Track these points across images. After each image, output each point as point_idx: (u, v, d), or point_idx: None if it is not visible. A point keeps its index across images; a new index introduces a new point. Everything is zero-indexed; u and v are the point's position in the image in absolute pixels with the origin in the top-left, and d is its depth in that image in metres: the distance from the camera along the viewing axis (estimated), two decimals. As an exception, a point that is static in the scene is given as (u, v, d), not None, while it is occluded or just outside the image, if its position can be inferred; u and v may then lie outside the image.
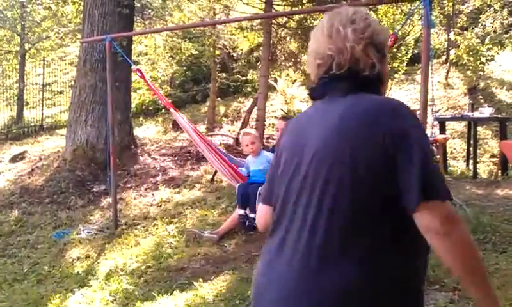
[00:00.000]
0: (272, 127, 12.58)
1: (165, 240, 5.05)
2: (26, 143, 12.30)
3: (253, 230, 4.88)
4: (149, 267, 4.41)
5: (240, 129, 10.78)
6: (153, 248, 4.89)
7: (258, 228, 1.80)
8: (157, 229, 5.50)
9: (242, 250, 4.58)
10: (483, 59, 11.40)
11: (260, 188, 4.79)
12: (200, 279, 3.97)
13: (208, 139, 5.68)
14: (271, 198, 1.65)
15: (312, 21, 10.62)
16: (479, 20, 14.33)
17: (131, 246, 5.09)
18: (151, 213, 6.16)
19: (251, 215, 4.89)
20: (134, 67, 5.77)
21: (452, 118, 9.52)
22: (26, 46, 16.12)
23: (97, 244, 5.35)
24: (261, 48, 10.38)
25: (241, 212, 4.99)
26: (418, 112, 4.11)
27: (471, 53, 11.36)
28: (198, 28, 13.03)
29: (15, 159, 10.07)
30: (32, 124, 14.60)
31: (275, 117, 12.82)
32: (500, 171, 7.54)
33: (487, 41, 12.37)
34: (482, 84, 12.00)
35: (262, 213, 1.74)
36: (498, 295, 3.12)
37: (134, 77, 14.60)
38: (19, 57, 16.05)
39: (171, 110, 5.68)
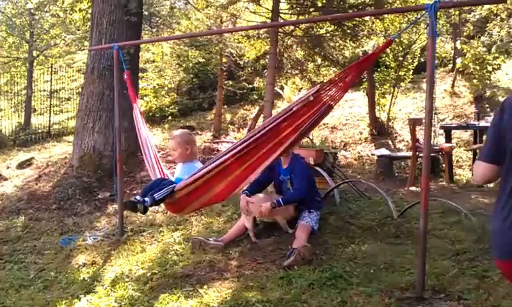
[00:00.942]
0: (278, 135, 12.61)
1: (171, 247, 5.07)
2: (33, 150, 12.38)
3: (130, 208, 4.45)
4: (155, 274, 4.42)
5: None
6: (158, 255, 4.91)
7: (477, 182, 2.25)
8: (162, 236, 5.52)
9: (248, 258, 4.59)
10: (489, 68, 11.40)
11: (172, 185, 4.37)
12: (205, 286, 3.98)
13: (150, 139, 5.40)
14: (496, 157, 2.11)
15: (318, 29, 10.66)
16: (486, 29, 14.34)
17: (137, 253, 5.11)
18: (157, 220, 6.19)
19: (146, 198, 4.33)
20: (125, 74, 5.63)
21: (458, 127, 9.51)
22: (34, 53, 16.28)
23: (103, 251, 5.37)
24: (267, 56, 10.42)
25: (138, 197, 4.45)
26: (423, 121, 4.12)
27: (477, 62, 11.36)
28: (205, 36, 13.09)
29: (22, 165, 10.14)
30: (40, 130, 14.71)
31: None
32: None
33: (493, 49, 12.38)
34: (488, 93, 11.99)
35: (484, 171, 2.17)
36: (504, 305, 3.13)
37: (141, 84, 14.69)
38: (27, 64, 16.22)
39: (134, 105, 5.52)
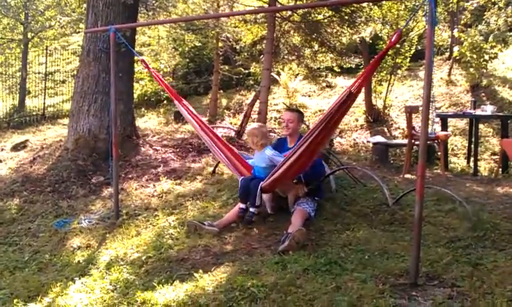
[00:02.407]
0: (275, 121, 12.61)
1: (166, 231, 5.06)
2: (28, 132, 12.33)
3: (251, 224, 4.90)
4: (150, 257, 4.42)
5: (242, 122, 10.79)
6: (154, 239, 4.91)
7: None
8: (158, 220, 5.52)
9: (243, 242, 4.59)
10: (486, 57, 11.41)
11: (261, 183, 4.84)
12: (200, 270, 3.98)
13: (212, 130, 5.66)
14: None
15: (316, 15, 10.60)
16: (483, 18, 14.32)
17: (132, 236, 5.11)
18: (152, 204, 6.18)
19: (251, 210, 4.91)
20: (139, 57, 5.75)
21: (454, 115, 9.53)
22: (29, 35, 16.12)
23: (98, 234, 5.37)
24: (264, 41, 10.37)
25: (242, 205, 4.99)
26: (420, 108, 4.12)
27: (474, 50, 11.36)
28: (201, 20, 13.01)
29: (16, 148, 10.10)
30: (34, 113, 14.65)
31: (277, 110, 12.85)
32: (500, 169, 7.57)
33: (491, 38, 12.36)
34: (484, 82, 12.00)
35: None
36: (497, 292, 3.16)
37: (137, 67, 14.61)
38: (22, 46, 16.07)
39: (176, 102, 5.66)
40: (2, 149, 10.16)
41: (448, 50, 14.44)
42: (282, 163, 4.71)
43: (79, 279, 4.17)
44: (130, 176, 7.48)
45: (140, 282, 3.93)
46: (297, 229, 4.40)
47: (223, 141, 5.54)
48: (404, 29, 11.35)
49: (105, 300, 3.66)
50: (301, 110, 11.49)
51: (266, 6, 10.01)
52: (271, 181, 4.81)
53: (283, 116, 5.56)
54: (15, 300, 3.85)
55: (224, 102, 15.17)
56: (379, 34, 12.24)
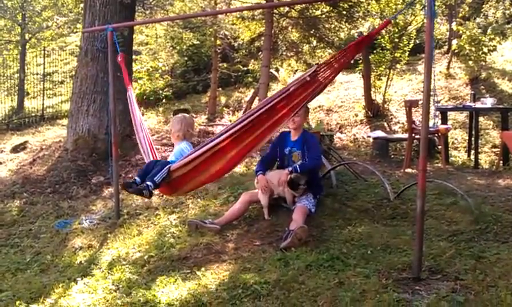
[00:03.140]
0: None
1: (167, 229, 5.06)
2: (27, 133, 12.32)
3: (140, 195, 4.53)
4: (151, 257, 4.42)
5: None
6: (155, 238, 4.90)
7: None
8: (159, 219, 5.51)
9: (244, 240, 4.58)
10: (485, 49, 11.38)
11: (171, 164, 4.54)
12: (203, 269, 3.98)
13: (143, 122, 5.50)
14: None
15: (314, 11, 10.59)
16: (481, 10, 14.29)
17: (133, 236, 5.10)
18: (153, 203, 6.17)
19: (148, 182, 4.47)
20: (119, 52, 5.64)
21: (454, 108, 9.51)
22: (27, 36, 16.10)
23: (99, 234, 5.36)
24: (262, 38, 10.35)
25: (136, 179, 4.64)
26: (420, 102, 4.10)
27: (473, 43, 11.33)
28: (199, 18, 13.00)
29: (16, 149, 10.08)
30: (33, 114, 14.62)
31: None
32: (501, 162, 7.55)
33: (489, 31, 12.34)
34: (484, 75, 11.98)
35: None
36: (500, 285, 3.15)
37: (135, 67, 14.58)
38: (20, 47, 16.05)
39: (128, 87, 5.55)
40: (2, 151, 10.14)
41: (446, 43, 14.42)
42: (203, 144, 4.49)
43: (81, 279, 4.16)
44: (130, 175, 7.48)
45: (142, 281, 3.92)
46: (299, 227, 4.38)
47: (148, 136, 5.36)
48: (402, 23, 11.34)
49: (107, 300, 3.65)
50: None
51: (264, 2, 9.98)
52: (184, 164, 4.45)
53: None
54: (17, 302, 3.83)
55: (223, 99, 15.15)
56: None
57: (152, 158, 4.95)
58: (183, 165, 4.42)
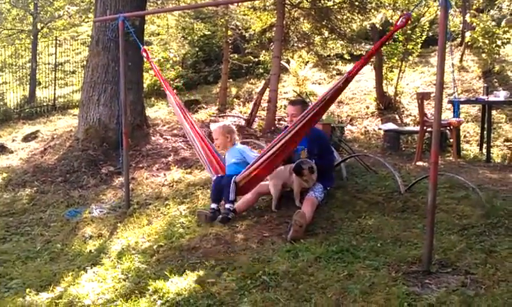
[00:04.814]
0: (284, 108, 12.55)
1: (177, 220, 5.06)
2: (39, 123, 12.39)
3: (228, 222, 4.66)
4: (161, 246, 4.43)
5: (252, 110, 10.75)
6: (165, 228, 4.91)
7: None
8: (168, 209, 5.52)
9: (254, 231, 4.58)
10: (499, 42, 11.23)
11: (234, 177, 4.70)
12: (211, 259, 3.98)
13: (195, 125, 5.47)
14: None
15: (326, 2, 10.51)
16: (495, 2, 14.12)
17: (143, 225, 5.12)
18: (163, 193, 6.19)
19: (227, 206, 4.65)
20: (142, 47, 5.67)
21: (466, 101, 9.42)
22: (38, 25, 16.14)
23: (109, 223, 5.38)
24: (274, 28, 10.30)
25: (213, 205, 4.80)
26: (433, 95, 4.06)
27: (486, 35, 11.19)
28: (210, 8, 12.96)
29: (27, 138, 10.15)
30: (45, 104, 14.69)
31: (287, 99, 12.78)
32: (514, 156, 7.48)
33: (503, 23, 12.18)
34: (497, 67, 11.85)
35: None
36: (511, 279, 3.12)
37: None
38: (32, 37, 16.10)
39: (167, 92, 5.52)
40: (14, 140, 10.21)
41: (460, 35, 14.26)
42: (260, 155, 4.70)
43: (91, 268, 4.19)
44: (140, 165, 7.49)
45: (152, 271, 3.93)
46: (296, 213, 4.37)
47: (203, 137, 5.32)
48: (414, 14, 11.23)
49: (116, 290, 3.66)
50: (310, 98, 11.44)
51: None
52: (247, 175, 4.69)
53: (287, 110, 5.47)
54: (27, 290, 3.87)
55: (234, 90, 15.12)
56: (390, 21, 12.10)
57: (212, 171, 5.08)
58: (247, 174, 4.69)
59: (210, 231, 4.57)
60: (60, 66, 17.15)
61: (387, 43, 11.50)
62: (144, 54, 5.61)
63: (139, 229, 5.03)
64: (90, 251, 4.68)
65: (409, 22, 11.02)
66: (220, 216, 4.68)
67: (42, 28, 16.57)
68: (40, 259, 4.66)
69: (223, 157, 5.22)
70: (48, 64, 16.16)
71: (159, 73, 5.76)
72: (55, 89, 15.11)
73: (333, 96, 4.43)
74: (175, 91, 15.48)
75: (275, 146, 4.58)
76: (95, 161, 7.62)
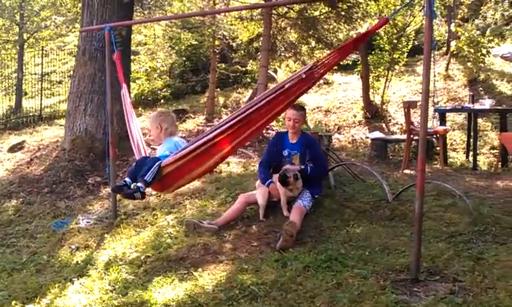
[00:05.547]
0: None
1: (164, 230, 5.03)
2: (25, 133, 12.29)
3: (132, 198, 4.34)
4: (148, 257, 4.39)
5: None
6: (152, 238, 4.87)
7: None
8: (156, 219, 5.48)
9: (242, 240, 4.56)
10: (484, 51, 11.37)
11: (161, 161, 4.35)
12: (200, 269, 3.96)
13: (135, 119, 5.27)
14: None
15: (312, 12, 10.57)
16: (480, 12, 14.30)
17: (130, 236, 5.07)
18: (150, 203, 6.14)
19: (139, 184, 4.23)
20: (115, 51, 5.52)
21: (452, 110, 9.51)
22: (25, 35, 16.07)
23: (96, 234, 5.33)
24: (261, 38, 10.33)
25: (127, 179, 4.41)
26: (419, 104, 4.09)
27: (471, 44, 11.34)
28: (197, 18, 12.99)
29: (13, 149, 10.05)
30: (31, 114, 14.60)
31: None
32: (500, 163, 7.54)
33: (488, 32, 12.35)
34: (482, 76, 11.99)
35: None
36: (499, 287, 3.13)
37: (133, 66, 14.55)
38: (18, 47, 16.03)
39: (123, 85, 5.44)
40: (-1, 151, 10.12)
41: (445, 44, 14.42)
42: (191, 142, 4.42)
43: (78, 279, 4.14)
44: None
45: (139, 282, 3.90)
46: (287, 223, 4.37)
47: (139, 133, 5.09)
48: (400, 24, 11.35)
49: (104, 301, 3.62)
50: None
51: (262, 2, 9.96)
52: (174, 161, 4.30)
53: (288, 114, 5.18)
54: (13, 302, 3.81)
55: (221, 100, 15.13)
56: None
57: (142, 155, 4.74)
58: (175, 160, 4.29)
59: (198, 241, 4.55)
60: (46, 76, 17.06)
61: (373, 52, 11.62)
62: (114, 57, 5.43)
63: (126, 239, 4.99)
64: (77, 262, 4.62)
65: (395, 30, 11.15)
66: (127, 191, 4.30)
67: (28, 38, 16.50)
68: (26, 271, 4.59)
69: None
70: (35, 74, 16.09)
71: (120, 69, 5.55)
72: (41, 99, 15.02)
73: (295, 88, 4.14)
74: (162, 100, 15.55)
75: (216, 130, 4.30)
76: (82, 171, 7.56)
